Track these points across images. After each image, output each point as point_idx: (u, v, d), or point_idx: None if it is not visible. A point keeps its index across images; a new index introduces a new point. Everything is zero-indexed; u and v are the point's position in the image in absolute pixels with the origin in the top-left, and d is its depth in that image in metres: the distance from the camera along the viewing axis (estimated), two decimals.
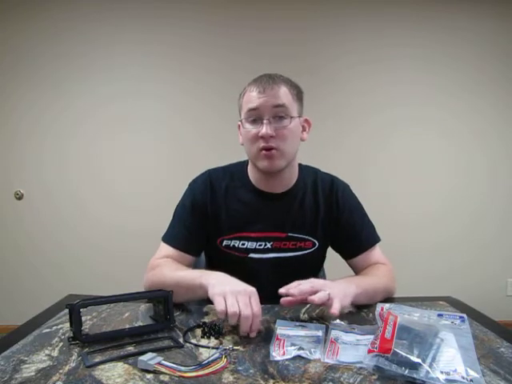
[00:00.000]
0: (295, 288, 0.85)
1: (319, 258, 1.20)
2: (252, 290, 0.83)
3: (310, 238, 1.13)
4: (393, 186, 2.78)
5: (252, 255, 1.10)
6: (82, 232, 2.71)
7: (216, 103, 2.69)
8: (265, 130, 1.00)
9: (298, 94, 1.08)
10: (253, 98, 1.02)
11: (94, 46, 2.67)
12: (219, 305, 0.78)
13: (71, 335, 0.76)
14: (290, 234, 1.11)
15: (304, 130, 1.11)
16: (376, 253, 1.16)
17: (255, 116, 1.02)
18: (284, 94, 1.03)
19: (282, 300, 0.86)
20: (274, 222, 1.10)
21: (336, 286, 0.89)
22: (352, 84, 2.75)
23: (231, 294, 0.80)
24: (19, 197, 2.69)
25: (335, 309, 0.81)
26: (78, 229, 2.71)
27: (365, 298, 0.97)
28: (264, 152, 1.02)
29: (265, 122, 1.00)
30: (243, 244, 1.10)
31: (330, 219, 1.14)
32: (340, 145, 2.74)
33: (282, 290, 0.85)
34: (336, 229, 1.15)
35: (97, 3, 2.65)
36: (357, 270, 1.16)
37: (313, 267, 1.22)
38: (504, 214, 2.82)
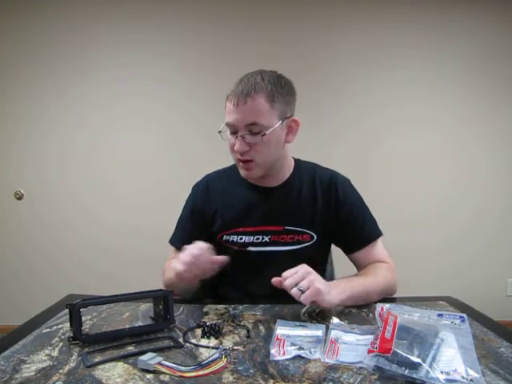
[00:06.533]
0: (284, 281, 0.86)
1: (320, 252, 1.19)
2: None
3: (308, 231, 1.12)
4: (392, 185, 2.78)
5: (251, 248, 1.12)
6: (82, 232, 2.71)
7: (216, 103, 2.67)
8: (238, 146, 1.02)
9: (281, 96, 1.02)
10: (229, 110, 1.03)
11: (94, 46, 2.67)
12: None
13: (71, 335, 0.76)
14: (286, 228, 1.12)
15: (291, 131, 1.08)
16: (378, 248, 1.15)
17: (231, 129, 1.05)
18: (257, 108, 0.99)
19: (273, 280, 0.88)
20: (270, 215, 1.12)
21: (323, 283, 0.87)
22: (352, 84, 2.75)
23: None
24: (19, 197, 2.69)
25: (304, 301, 0.83)
26: (78, 229, 2.71)
27: (355, 301, 0.96)
28: (241, 164, 1.06)
29: (238, 137, 1.02)
30: (241, 238, 1.12)
31: (328, 213, 1.14)
32: (339, 145, 2.74)
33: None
34: (337, 223, 1.14)
35: (97, 3, 2.65)
36: (359, 265, 1.15)
37: (314, 261, 1.20)
38: (504, 214, 2.81)
